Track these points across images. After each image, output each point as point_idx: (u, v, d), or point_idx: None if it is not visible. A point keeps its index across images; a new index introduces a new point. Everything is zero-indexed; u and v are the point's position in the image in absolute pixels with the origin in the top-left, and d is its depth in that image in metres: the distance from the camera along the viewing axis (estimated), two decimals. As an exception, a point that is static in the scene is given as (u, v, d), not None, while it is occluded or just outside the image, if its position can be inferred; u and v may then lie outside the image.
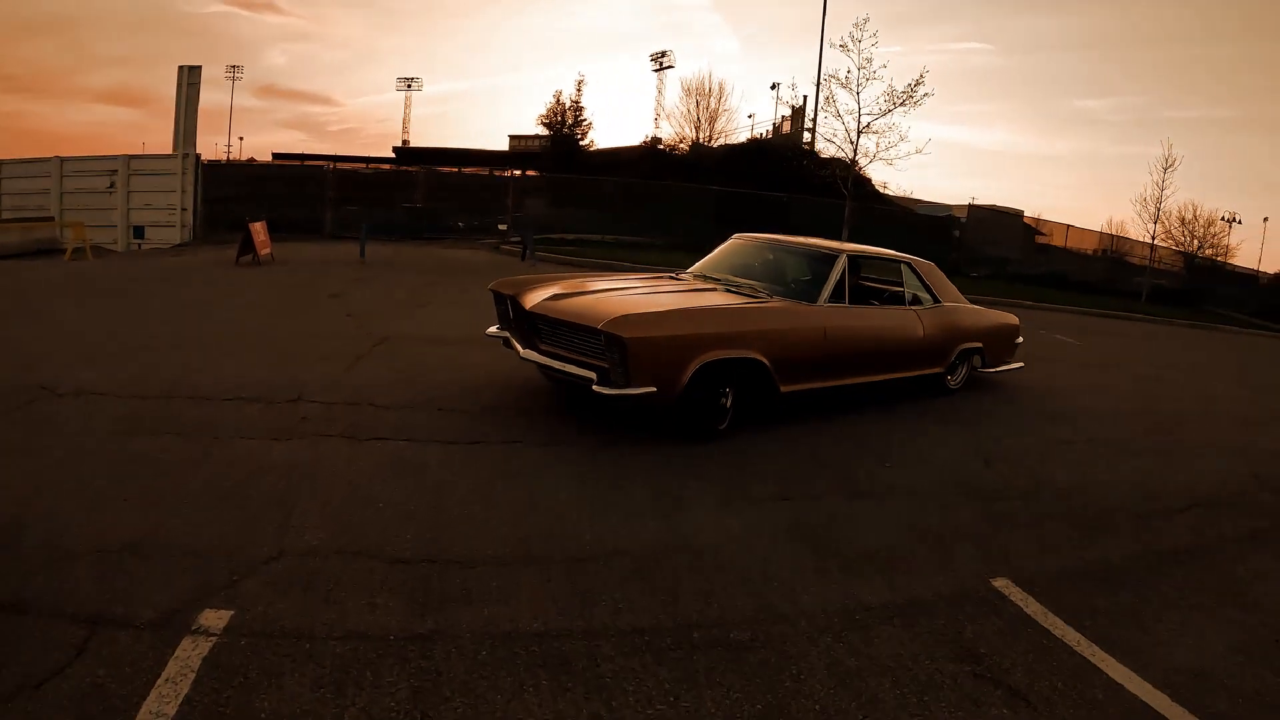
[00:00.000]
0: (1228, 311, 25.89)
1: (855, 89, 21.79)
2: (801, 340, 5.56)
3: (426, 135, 78.73)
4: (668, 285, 6.09)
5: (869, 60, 21.55)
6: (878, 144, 22.27)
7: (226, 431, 4.50)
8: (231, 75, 62.17)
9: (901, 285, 7.07)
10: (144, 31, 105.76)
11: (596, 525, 3.70)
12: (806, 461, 4.98)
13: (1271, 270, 38.74)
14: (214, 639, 2.56)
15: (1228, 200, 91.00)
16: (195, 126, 15.91)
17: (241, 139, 62.97)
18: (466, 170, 34.35)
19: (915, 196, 31.75)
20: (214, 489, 3.73)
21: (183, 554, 3.08)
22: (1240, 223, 35.67)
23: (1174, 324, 20.95)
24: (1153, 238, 28.26)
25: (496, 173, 31.19)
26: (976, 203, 29.65)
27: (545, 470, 4.35)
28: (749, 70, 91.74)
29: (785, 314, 5.66)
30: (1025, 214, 31.77)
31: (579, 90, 39.75)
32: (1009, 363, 7.98)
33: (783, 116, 43.42)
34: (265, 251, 13.12)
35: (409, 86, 62.93)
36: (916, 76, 24.19)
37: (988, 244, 27.71)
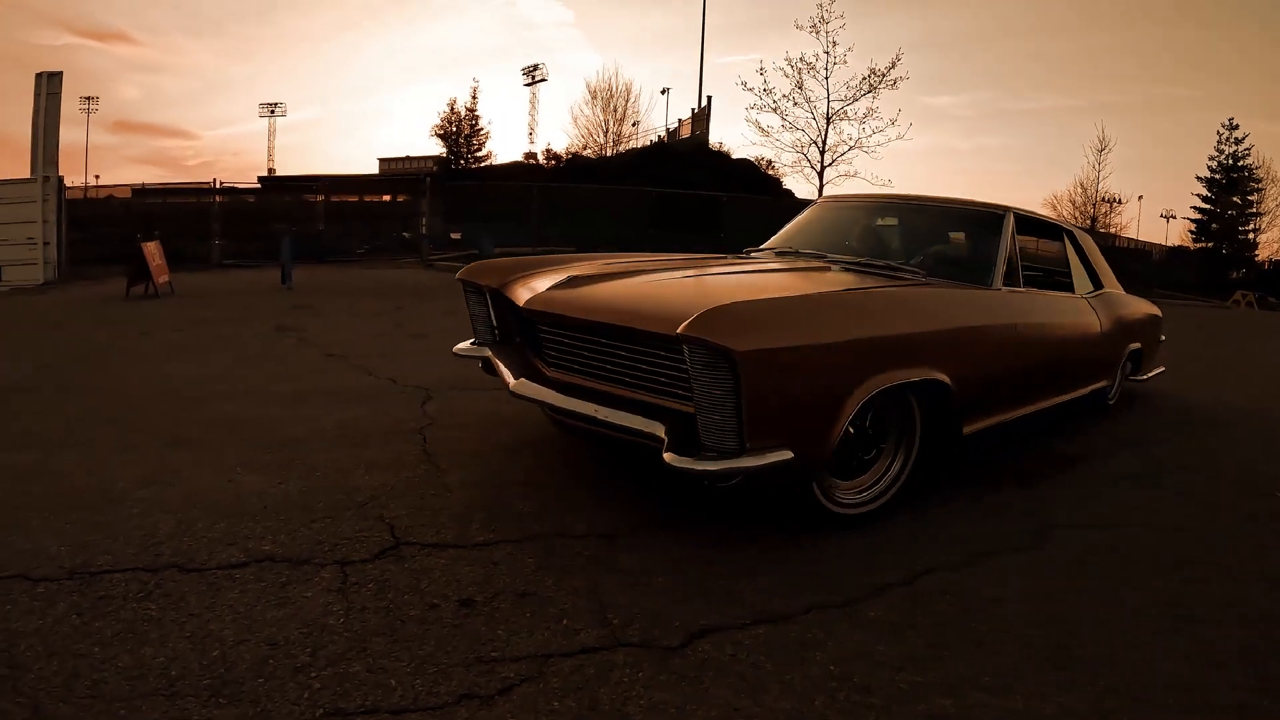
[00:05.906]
0: (1141, 286, 26.35)
1: (824, 75, 20.22)
2: (990, 345, 3.24)
3: (289, 164, 73.05)
4: (753, 264, 3.61)
5: (834, 43, 20.06)
6: (860, 129, 20.65)
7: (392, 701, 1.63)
8: (86, 107, 54.48)
9: (1064, 265, 4.65)
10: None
11: None
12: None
13: (1150, 243, 40.98)
14: None
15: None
16: (57, 144, 11.79)
17: (98, 177, 55.99)
18: (370, 198, 30.80)
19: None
20: None
21: None
22: (1122, 202, 37.68)
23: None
24: (1092, 220, 28.60)
25: (399, 197, 27.73)
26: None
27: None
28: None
29: (968, 303, 3.28)
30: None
31: (474, 97, 36.54)
32: (1155, 366, 5.64)
33: (679, 120, 42.43)
34: (163, 279, 9.41)
35: (272, 112, 57.21)
36: (893, 57, 22.52)
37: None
